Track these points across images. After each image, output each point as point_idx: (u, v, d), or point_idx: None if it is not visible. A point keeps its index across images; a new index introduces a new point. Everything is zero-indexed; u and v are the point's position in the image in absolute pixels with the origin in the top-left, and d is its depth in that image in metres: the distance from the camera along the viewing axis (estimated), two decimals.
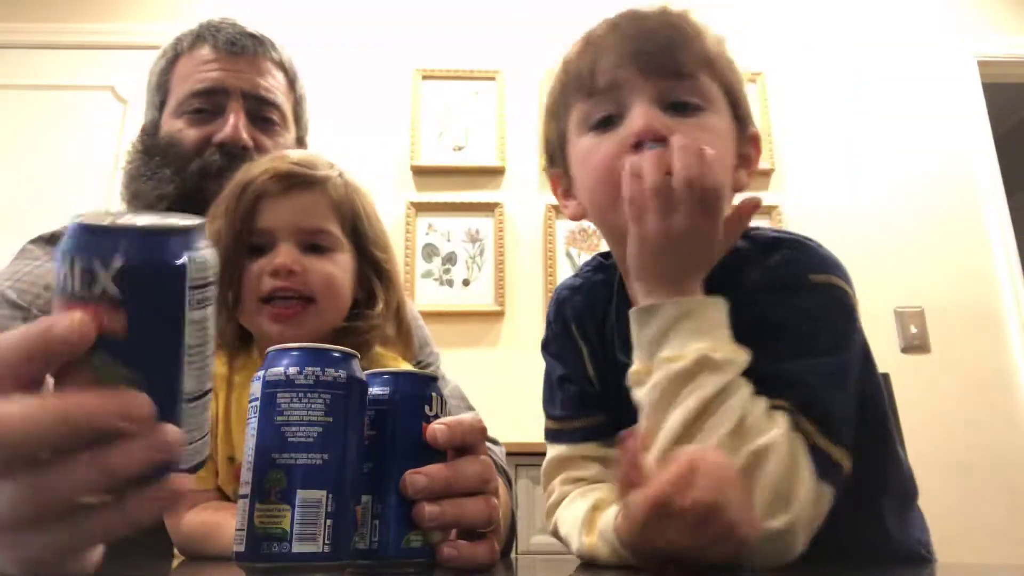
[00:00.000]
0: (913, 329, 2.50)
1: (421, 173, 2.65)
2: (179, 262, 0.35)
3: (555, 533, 0.68)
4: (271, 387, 0.44)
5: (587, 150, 0.66)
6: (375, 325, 0.80)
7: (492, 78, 2.74)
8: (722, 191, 0.59)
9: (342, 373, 0.45)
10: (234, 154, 0.95)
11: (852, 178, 2.67)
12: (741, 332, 0.60)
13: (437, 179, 2.65)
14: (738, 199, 0.67)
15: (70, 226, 0.35)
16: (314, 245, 0.77)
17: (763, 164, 2.64)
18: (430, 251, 2.58)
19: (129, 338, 0.34)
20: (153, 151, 1.00)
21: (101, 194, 2.48)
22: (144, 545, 0.36)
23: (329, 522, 0.42)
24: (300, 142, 1.08)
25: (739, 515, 0.47)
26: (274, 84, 1.03)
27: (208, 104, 0.99)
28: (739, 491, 0.47)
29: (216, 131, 0.97)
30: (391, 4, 2.83)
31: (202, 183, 0.94)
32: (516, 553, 1.13)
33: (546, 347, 0.79)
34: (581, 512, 0.62)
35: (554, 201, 1.24)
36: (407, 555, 0.47)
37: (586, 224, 1.94)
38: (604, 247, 0.75)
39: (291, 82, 1.07)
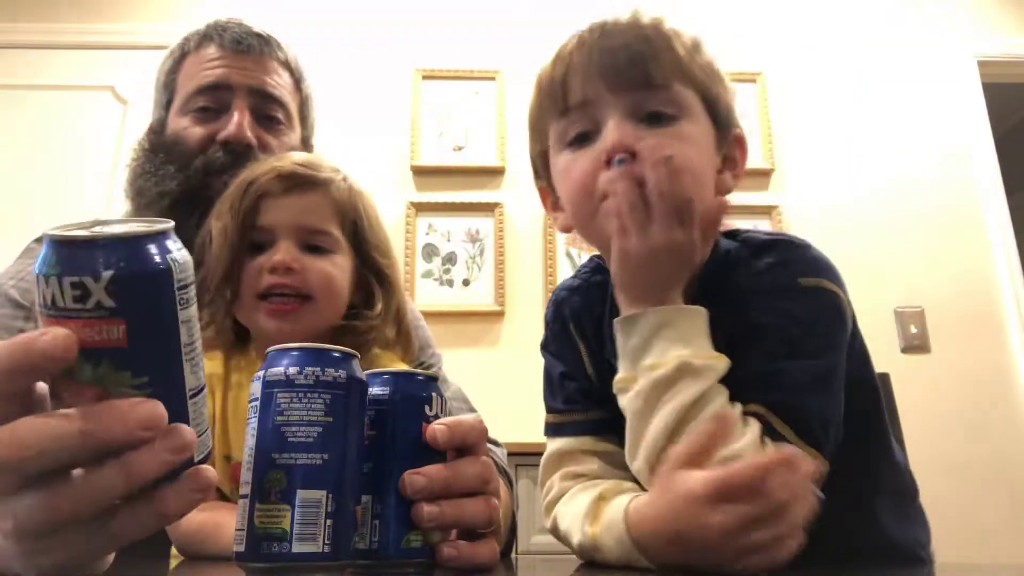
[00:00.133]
0: (913, 329, 2.50)
1: (421, 173, 2.65)
2: (164, 265, 0.35)
3: (554, 529, 0.68)
4: (271, 387, 0.44)
5: (565, 166, 0.67)
6: (373, 326, 0.80)
7: (492, 78, 2.74)
8: (695, 200, 0.59)
9: (342, 373, 0.45)
10: (238, 152, 0.95)
11: (852, 178, 2.66)
12: (731, 335, 0.62)
13: (437, 179, 2.65)
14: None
15: (46, 245, 0.35)
16: (314, 245, 0.78)
17: (763, 164, 2.64)
18: (430, 251, 2.58)
19: (130, 345, 0.34)
20: (158, 149, 1.00)
21: (101, 194, 2.48)
22: (141, 545, 0.36)
23: (329, 522, 0.42)
24: (305, 142, 1.08)
25: (792, 531, 0.47)
26: (279, 82, 1.03)
27: (213, 102, 0.99)
28: (804, 510, 0.48)
29: (221, 129, 0.97)
30: (391, 4, 2.83)
31: (206, 180, 0.94)
32: (516, 553, 1.13)
33: (546, 347, 0.79)
34: (585, 503, 0.62)
35: None
36: (407, 555, 0.47)
37: None
38: None
39: (297, 82, 1.07)
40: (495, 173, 2.66)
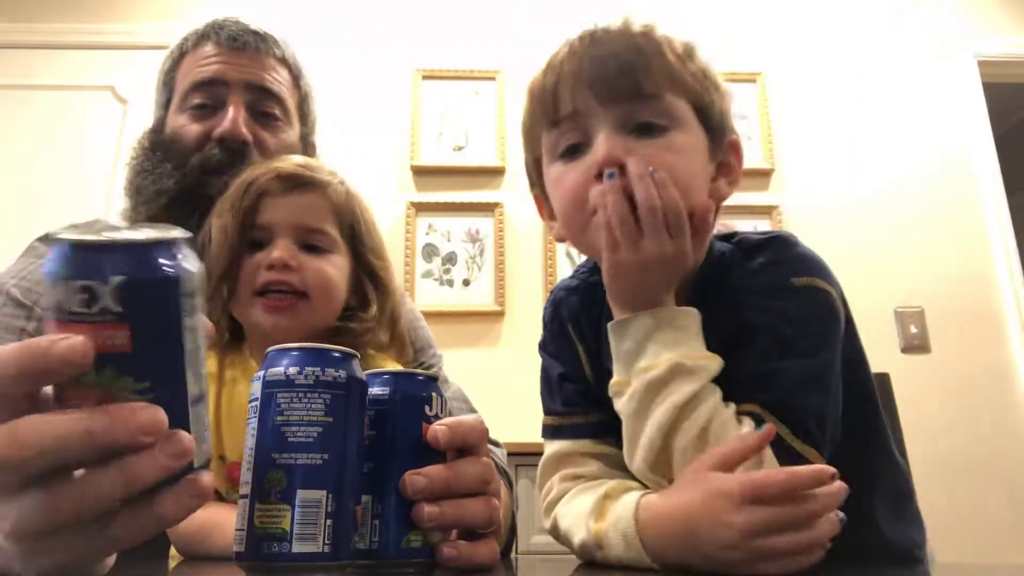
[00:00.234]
0: (913, 329, 2.50)
1: (421, 173, 2.65)
2: (173, 272, 0.36)
3: (554, 530, 0.68)
4: (271, 387, 0.44)
5: (557, 178, 0.67)
6: (369, 328, 0.81)
7: (492, 78, 2.74)
8: (684, 211, 0.60)
9: (342, 373, 0.45)
10: (234, 149, 0.95)
11: (852, 178, 2.66)
12: (726, 335, 0.62)
13: (437, 179, 2.65)
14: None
15: (55, 248, 0.35)
16: (312, 245, 0.79)
17: (763, 164, 2.64)
18: (430, 251, 2.58)
19: (135, 350, 0.34)
20: (157, 147, 1.00)
21: (101, 194, 2.48)
22: (141, 546, 0.37)
23: (329, 522, 0.42)
24: (305, 139, 1.08)
25: (812, 543, 0.48)
26: (276, 78, 1.03)
27: (209, 98, 0.99)
28: (829, 526, 0.49)
29: (217, 126, 0.97)
30: (391, 4, 2.83)
31: (203, 178, 0.94)
32: (516, 553, 1.13)
33: (544, 347, 0.80)
34: (590, 502, 0.62)
35: None
36: (407, 555, 0.47)
37: None
38: None
39: (295, 78, 1.07)
40: (495, 173, 2.66)
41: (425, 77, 2.74)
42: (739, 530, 0.48)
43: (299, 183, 0.80)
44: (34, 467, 0.33)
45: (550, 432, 0.74)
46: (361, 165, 2.49)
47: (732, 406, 0.59)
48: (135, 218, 0.97)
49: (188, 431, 0.36)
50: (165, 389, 0.36)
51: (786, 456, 0.57)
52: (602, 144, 0.62)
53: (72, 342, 0.33)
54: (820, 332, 0.63)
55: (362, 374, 0.47)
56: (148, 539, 0.36)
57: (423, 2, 2.84)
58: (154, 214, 0.95)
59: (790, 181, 2.67)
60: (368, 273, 0.84)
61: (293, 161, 0.84)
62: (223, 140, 0.96)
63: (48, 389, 0.36)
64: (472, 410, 1.00)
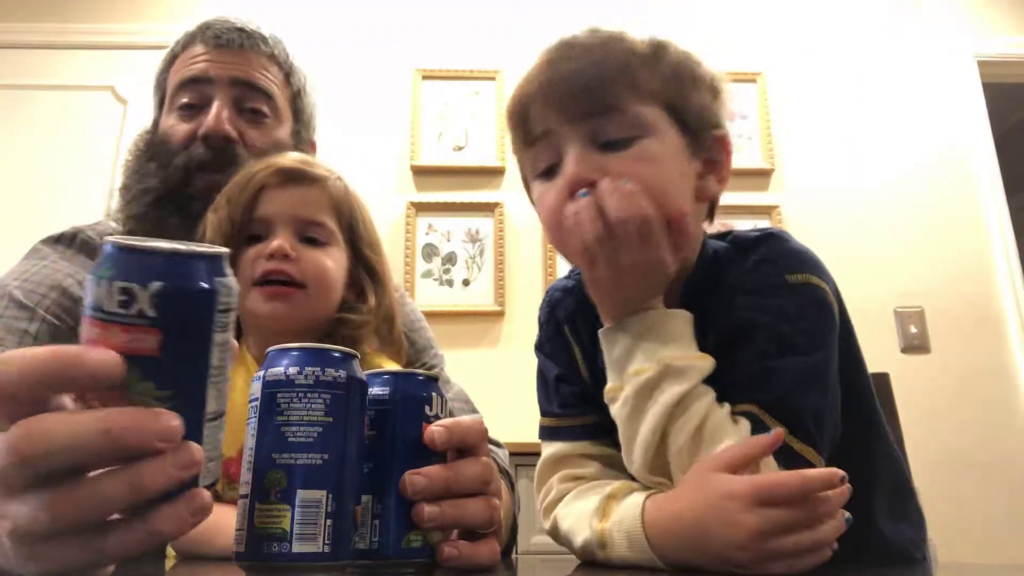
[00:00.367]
0: (913, 329, 2.50)
1: (421, 173, 2.65)
2: (211, 286, 0.37)
3: (554, 530, 0.68)
4: (271, 387, 0.44)
5: (539, 197, 0.68)
6: (367, 320, 0.82)
7: (492, 78, 2.74)
8: (656, 219, 0.60)
9: (342, 373, 0.45)
10: (218, 146, 0.95)
11: (852, 178, 2.66)
12: (723, 334, 0.62)
13: (437, 179, 2.65)
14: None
15: (106, 247, 0.36)
16: (310, 237, 0.80)
17: (763, 164, 2.64)
18: (430, 251, 2.58)
19: (162, 357, 0.35)
20: (148, 148, 1.01)
21: (101, 194, 2.47)
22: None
23: (329, 522, 0.42)
24: (298, 136, 1.07)
25: (819, 545, 0.49)
26: (263, 74, 1.02)
27: (195, 97, 0.99)
28: (836, 528, 0.50)
29: (203, 124, 0.97)
30: (391, 4, 2.83)
31: (186, 177, 0.95)
32: (516, 553, 1.13)
33: (540, 348, 0.79)
34: (594, 502, 0.62)
35: None
36: (407, 555, 0.47)
37: None
38: None
39: (286, 75, 1.06)
40: (495, 173, 2.66)
41: (425, 77, 2.74)
42: (750, 531, 0.48)
43: (298, 177, 0.82)
44: (48, 464, 0.33)
45: (547, 433, 0.74)
46: (361, 165, 2.49)
47: (726, 406, 0.59)
48: (122, 217, 0.98)
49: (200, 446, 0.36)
50: (185, 400, 0.36)
51: (784, 455, 0.56)
52: (570, 165, 0.63)
53: (104, 357, 0.34)
54: (817, 329, 0.63)
55: (362, 374, 0.47)
56: (141, 555, 0.36)
57: (423, 2, 2.84)
58: (140, 212, 0.95)
59: (790, 181, 2.67)
60: (365, 267, 0.85)
61: (292, 157, 0.85)
62: (207, 138, 0.96)
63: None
64: (474, 411, 1.00)
